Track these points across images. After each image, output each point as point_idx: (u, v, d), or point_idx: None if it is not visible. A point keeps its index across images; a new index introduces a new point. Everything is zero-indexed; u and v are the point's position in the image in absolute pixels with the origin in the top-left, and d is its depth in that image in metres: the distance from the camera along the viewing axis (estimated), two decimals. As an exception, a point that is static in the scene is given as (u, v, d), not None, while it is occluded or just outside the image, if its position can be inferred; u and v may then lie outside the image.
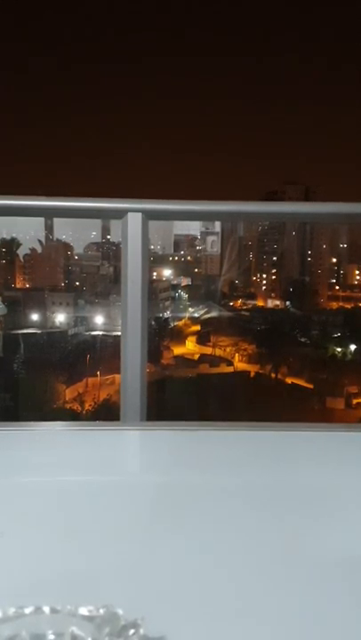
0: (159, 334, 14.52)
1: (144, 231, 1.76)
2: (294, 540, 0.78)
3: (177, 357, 14.64)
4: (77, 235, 15.21)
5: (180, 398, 12.84)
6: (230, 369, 14.63)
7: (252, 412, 12.03)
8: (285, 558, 0.74)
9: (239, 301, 16.43)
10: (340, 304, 16.50)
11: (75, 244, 15.41)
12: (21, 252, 15.08)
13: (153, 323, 13.75)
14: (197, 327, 15.46)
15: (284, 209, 2.18)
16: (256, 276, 16.99)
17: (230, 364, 14.78)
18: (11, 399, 10.93)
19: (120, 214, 1.77)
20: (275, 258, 17.10)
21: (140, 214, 1.75)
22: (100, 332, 13.40)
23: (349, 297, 16.69)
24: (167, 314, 15.13)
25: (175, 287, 15.54)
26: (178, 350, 14.79)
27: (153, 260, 13.98)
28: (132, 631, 0.53)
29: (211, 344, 15.11)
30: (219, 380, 14.36)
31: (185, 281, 15.87)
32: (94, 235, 15.13)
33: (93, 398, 12.71)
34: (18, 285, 15.15)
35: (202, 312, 15.68)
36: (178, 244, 16.02)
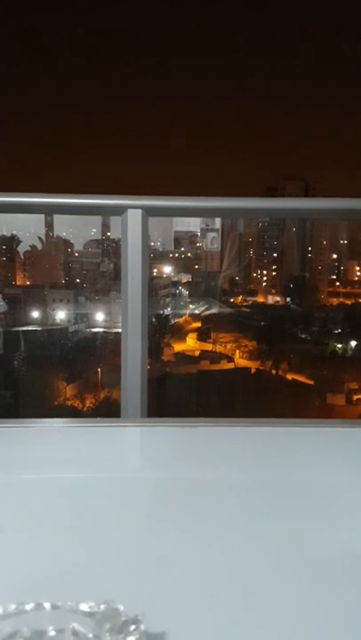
0: (159, 331, 14.52)
1: (144, 228, 1.76)
2: (295, 536, 0.78)
3: (177, 354, 14.65)
4: (77, 232, 15.20)
5: (181, 395, 12.85)
6: (231, 365, 14.64)
7: (252, 408, 12.04)
8: (286, 554, 0.74)
9: (239, 298, 16.44)
10: (341, 300, 16.50)
11: (75, 240, 15.40)
12: (21, 249, 15.08)
13: (153, 319, 13.75)
14: (198, 324, 15.47)
15: (284, 205, 2.18)
16: (256, 272, 16.99)
17: (231, 360, 14.79)
18: (11, 396, 10.94)
19: (120, 211, 1.77)
20: (275, 254, 17.10)
21: (139, 211, 1.75)
22: (101, 329, 13.41)
23: (350, 293, 16.69)
24: (167, 310, 15.13)
25: (175, 284, 15.54)
26: (178, 347, 14.80)
27: (153, 257, 13.97)
28: (132, 627, 0.53)
29: (211, 340, 15.11)
30: (219, 376, 14.37)
31: (185, 277, 15.87)
32: (94, 232, 15.12)
33: (94, 395, 12.72)
34: (18, 282, 15.15)
35: (202, 309, 15.68)
36: (178, 240, 16.01)
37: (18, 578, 0.68)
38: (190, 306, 15.75)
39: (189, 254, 16.25)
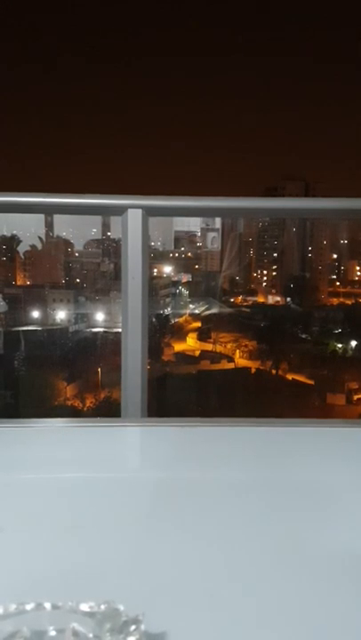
0: (160, 331, 14.52)
1: (144, 227, 1.76)
2: (295, 536, 0.78)
3: (177, 354, 14.65)
4: (77, 231, 15.20)
5: (181, 395, 12.85)
6: (231, 365, 14.64)
7: (253, 408, 12.04)
8: (287, 554, 0.74)
9: (240, 298, 16.43)
10: (341, 300, 16.51)
11: (75, 240, 15.40)
12: (22, 248, 15.08)
13: (153, 319, 13.75)
14: (198, 324, 15.46)
15: (284, 205, 2.18)
16: (256, 272, 16.99)
17: (231, 360, 14.79)
18: (11, 396, 10.94)
19: (120, 211, 1.77)
20: (275, 254, 17.10)
21: (140, 210, 1.75)
22: (101, 329, 13.41)
23: (350, 293, 16.69)
24: (168, 310, 15.13)
25: (175, 284, 15.54)
26: (178, 347, 14.79)
27: (153, 257, 13.96)
28: (132, 627, 0.52)
29: (211, 340, 15.11)
30: (220, 376, 14.36)
31: (185, 277, 15.87)
32: (95, 231, 15.12)
33: (94, 395, 12.72)
34: (18, 282, 15.14)
35: (202, 308, 15.68)
36: (178, 240, 16.01)
37: (18, 578, 0.68)
38: (190, 306, 15.74)
39: (189, 254, 16.24)
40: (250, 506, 0.88)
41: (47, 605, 0.55)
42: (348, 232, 16.45)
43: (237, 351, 14.86)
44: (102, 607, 0.54)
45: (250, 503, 0.89)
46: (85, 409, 12.35)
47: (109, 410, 11.83)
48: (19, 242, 15.10)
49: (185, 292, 15.73)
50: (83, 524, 0.81)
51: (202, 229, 15.70)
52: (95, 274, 14.87)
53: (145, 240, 1.76)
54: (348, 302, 16.63)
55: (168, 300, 15.14)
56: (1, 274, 15.33)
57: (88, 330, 13.70)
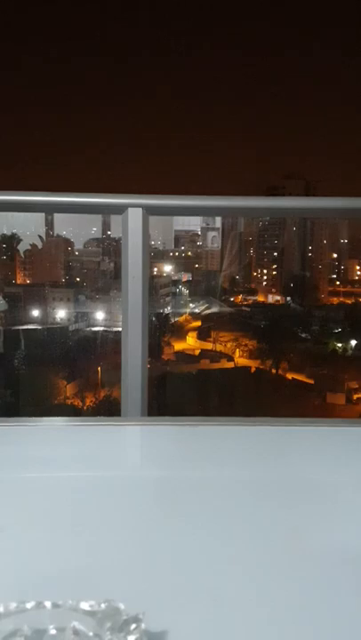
0: (160, 330, 14.51)
1: (144, 226, 1.76)
2: (296, 534, 0.78)
3: (177, 353, 14.64)
4: (78, 230, 15.20)
5: (181, 394, 12.85)
6: (231, 364, 14.63)
7: (252, 407, 12.04)
8: (287, 552, 0.74)
9: (240, 297, 16.43)
10: (341, 299, 16.50)
11: (75, 239, 15.40)
12: (22, 247, 15.07)
13: (153, 318, 13.75)
14: (198, 323, 15.45)
15: (284, 204, 2.18)
16: (257, 271, 16.98)
17: (231, 359, 14.78)
18: (11, 395, 10.94)
19: (120, 209, 1.77)
20: (275, 253, 17.10)
21: (140, 209, 1.75)
22: (101, 328, 13.40)
23: (350, 292, 16.69)
24: (168, 309, 15.12)
25: (176, 283, 15.53)
26: (178, 346, 14.78)
27: (153, 256, 13.96)
28: (133, 626, 0.53)
29: (211, 340, 15.10)
30: (219, 375, 14.35)
31: (185, 276, 15.86)
32: (95, 230, 15.12)
33: (94, 394, 12.72)
34: (18, 281, 15.13)
35: (202, 308, 15.67)
36: (178, 239, 16.00)
37: (18, 577, 0.68)
38: (190, 305, 15.74)
39: (190, 253, 16.24)
40: (250, 505, 0.88)
41: (47, 604, 0.55)
42: (349, 231, 16.46)
43: (237, 350, 14.85)
44: (103, 606, 0.54)
45: (250, 502, 0.89)
46: (85, 408, 12.35)
47: (109, 409, 11.83)
48: (19, 240, 15.10)
49: (185, 291, 15.72)
50: (83, 523, 0.81)
51: (202, 228, 15.70)
52: (95, 273, 14.87)
53: (145, 239, 1.76)
54: (349, 302, 16.62)
55: (168, 299, 15.14)
56: (1, 272, 15.32)
57: (88, 329, 13.70)
